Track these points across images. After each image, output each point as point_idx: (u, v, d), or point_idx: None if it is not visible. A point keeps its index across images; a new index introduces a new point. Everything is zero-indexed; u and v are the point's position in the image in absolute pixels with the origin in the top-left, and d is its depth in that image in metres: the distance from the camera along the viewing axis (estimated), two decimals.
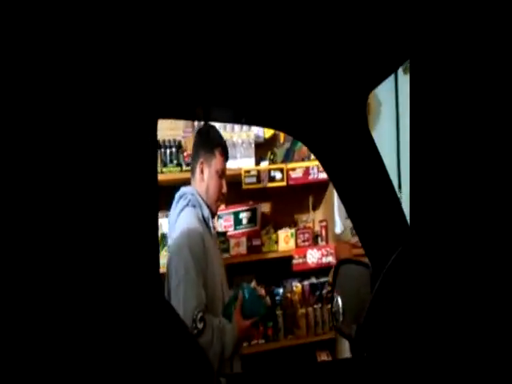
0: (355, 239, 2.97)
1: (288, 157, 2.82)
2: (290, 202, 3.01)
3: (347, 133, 0.99)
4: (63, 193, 0.43)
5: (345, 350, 2.61)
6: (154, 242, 0.57)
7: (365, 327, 0.93)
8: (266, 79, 0.83)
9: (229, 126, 2.70)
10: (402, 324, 0.79)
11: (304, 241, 2.73)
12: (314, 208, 3.03)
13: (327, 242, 2.81)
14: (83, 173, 0.45)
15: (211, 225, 1.72)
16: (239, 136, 2.70)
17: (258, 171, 2.66)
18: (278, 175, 2.71)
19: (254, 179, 2.62)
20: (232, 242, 2.58)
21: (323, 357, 2.75)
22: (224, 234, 2.61)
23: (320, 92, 0.91)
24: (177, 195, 1.78)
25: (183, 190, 1.78)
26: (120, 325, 0.46)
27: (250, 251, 2.60)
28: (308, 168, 2.68)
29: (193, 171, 1.80)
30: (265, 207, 3.01)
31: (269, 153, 2.87)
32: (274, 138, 2.89)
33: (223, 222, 2.68)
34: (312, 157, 2.81)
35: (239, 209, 2.72)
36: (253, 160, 2.70)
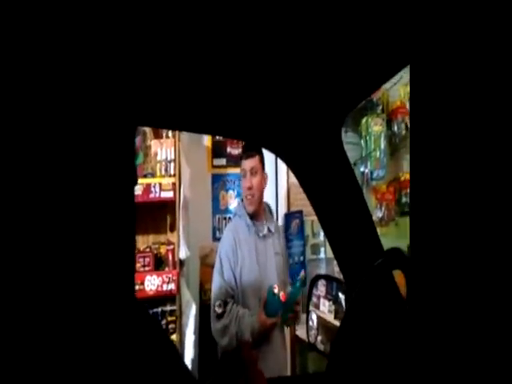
0: None
1: None
2: (144, 221, 2.74)
3: (324, 151, 1.02)
4: (35, 197, 0.44)
5: None
6: (129, 247, 0.57)
7: (338, 344, 0.97)
8: (248, 94, 0.85)
9: None
10: (375, 341, 0.86)
11: (144, 265, 2.47)
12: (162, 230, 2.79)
13: (174, 267, 2.57)
14: (56, 177, 0.45)
15: (253, 230, 2.00)
16: None
17: None
18: None
19: None
20: None
21: None
22: None
23: (300, 110, 0.94)
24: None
25: (238, 201, 2.26)
26: (94, 329, 0.47)
27: None
28: (149, 185, 2.44)
29: None
30: None
31: None
32: None
33: None
34: (157, 173, 2.59)
35: None
36: None
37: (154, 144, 2.68)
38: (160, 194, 2.48)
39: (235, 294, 1.92)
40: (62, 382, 0.43)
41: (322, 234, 2.70)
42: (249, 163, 2.00)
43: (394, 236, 2.19)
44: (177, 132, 2.65)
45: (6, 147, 0.44)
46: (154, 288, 2.46)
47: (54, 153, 0.45)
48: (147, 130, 2.70)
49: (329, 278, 1.40)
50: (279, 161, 2.11)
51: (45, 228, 0.45)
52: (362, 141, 2.31)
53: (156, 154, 2.66)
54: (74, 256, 0.47)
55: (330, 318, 2.00)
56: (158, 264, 2.59)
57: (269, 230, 2.06)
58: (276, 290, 1.88)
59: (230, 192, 2.76)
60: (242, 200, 2.06)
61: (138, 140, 2.74)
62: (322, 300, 1.95)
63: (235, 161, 2.75)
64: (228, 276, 1.92)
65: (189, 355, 2.55)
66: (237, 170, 2.77)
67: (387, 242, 1.06)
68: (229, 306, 1.88)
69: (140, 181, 2.47)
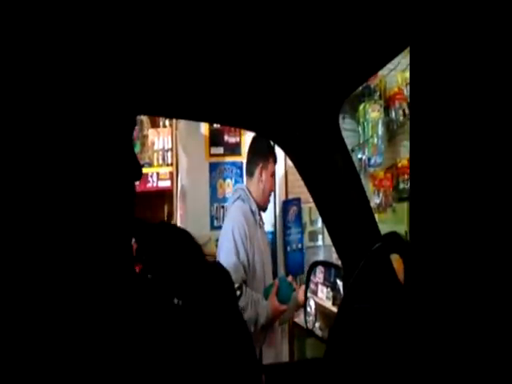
0: None
1: None
2: (141, 210, 2.74)
3: (322, 138, 1.03)
4: (35, 187, 0.45)
5: None
6: (127, 236, 0.58)
7: (336, 330, 0.98)
8: (246, 81, 0.86)
9: None
10: (373, 327, 0.86)
11: None
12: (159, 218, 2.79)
13: None
14: (56, 168, 0.46)
15: (257, 217, 2.03)
16: None
17: None
18: None
19: None
20: None
21: None
22: None
23: (297, 96, 0.94)
24: (232, 190, 2.25)
25: (237, 186, 2.20)
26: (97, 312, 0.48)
27: None
28: (146, 175, 2.44)
29: (251, 173, 2.07)
30: None
31: None
32: None
33: None
34: (154, 163, 2.58)
35: None
36: None
37: (150, 133, 2.67)
38: (157, 183, 2.48)
39: (247, 278, 1.92)
40: (65, 362, 0.44)
41: (319, 221, 2.71)
42: (275, 167, 2.14)
43: (392, 222, 2.20)
44: (174, 121, 2.64)
45: (5, 136, 0.44)
46: None
47: (54, 144, 0.46)
48: (144, 119, 2.69)
49: (327, 265, 1.42)
50: (277, 148, 2.13)
51: (45, 219, 0.46)
52: (360, 127, 2.31)
53: (153, 144, 2.65)
54: (70, 248, 0.48)
55: (328, 304, 2.02)
56: None
57: (262, 220, 2.14)
58: (289, 279, 1.97)
59: (228, 180, 2.75)
60: (248, 190, 2.06)
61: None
62: (319, 286, 1.97)
63: (232, 149, 2.74)
64: (242, 258, 1.90)
65: None
66: (234, 159, 2.77)
67: (385, 228, 1.06)
68: (243, 288, 1.87)
69: None
